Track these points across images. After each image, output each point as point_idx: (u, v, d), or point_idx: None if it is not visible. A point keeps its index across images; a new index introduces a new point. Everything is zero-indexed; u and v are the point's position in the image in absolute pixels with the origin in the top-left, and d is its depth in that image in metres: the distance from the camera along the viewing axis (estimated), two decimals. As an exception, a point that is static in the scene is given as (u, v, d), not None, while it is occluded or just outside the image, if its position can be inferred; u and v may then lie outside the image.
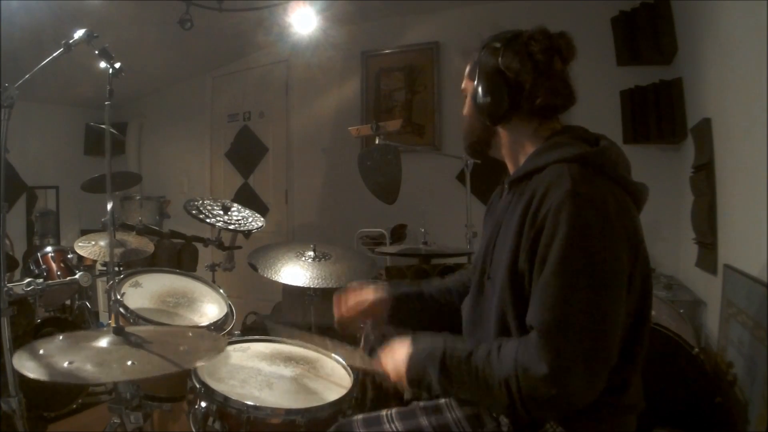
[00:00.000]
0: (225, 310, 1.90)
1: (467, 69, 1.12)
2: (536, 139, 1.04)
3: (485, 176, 1.19)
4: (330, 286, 1.94)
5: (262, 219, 2.67)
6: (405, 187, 2.21)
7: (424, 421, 0.97)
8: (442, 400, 1.07)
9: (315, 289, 2.10)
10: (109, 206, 1.40)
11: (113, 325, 1.21)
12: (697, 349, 1.50)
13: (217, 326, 1.78)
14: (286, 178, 4.24)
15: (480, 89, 1.04)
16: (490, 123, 1.06)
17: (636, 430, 1.00)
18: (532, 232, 0.90)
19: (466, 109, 1.13)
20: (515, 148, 1.08)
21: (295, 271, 1.98)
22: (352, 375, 1.42)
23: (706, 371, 1.48)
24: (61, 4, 2.80)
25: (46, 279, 2.44)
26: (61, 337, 1.19)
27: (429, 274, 2.50)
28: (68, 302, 2.83)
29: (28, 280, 1.47)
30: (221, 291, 2.03)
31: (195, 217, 2.46)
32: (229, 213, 2.59)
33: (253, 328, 3.28)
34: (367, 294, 1.30)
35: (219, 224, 2.46)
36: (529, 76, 1.00)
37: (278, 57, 4.12)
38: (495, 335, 0.99)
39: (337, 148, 3.96)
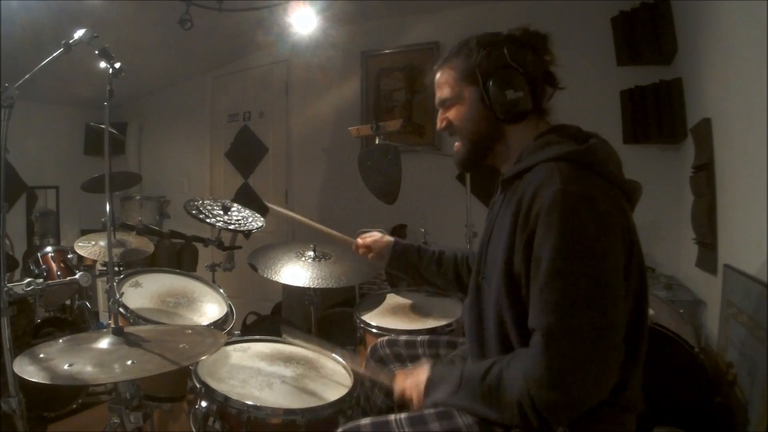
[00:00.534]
0: (225, 310, 1.90)
1: (449, 76, 1.08)
2: (528, 138, 1.04)
3: (485, 176, 1.18)
4: (330, 286, 1.94)
5: (262, 219, 2.67)
6: (405, 187, 2.21)
7: (434, 426, 0.96)
8: None
9: (315, 289, 2.10)
10: (108, 206, 1.40)
11: (113, 325, 1.21)
12: (697, 349, 1.50)
13: (217, 326, 1.78)
14: (286, 178, 4.24)
15: (499, 86, 1.00)
16: (508, 120, 1.02)
17: (636, 430, 1.00)
18: (525, 233, 0.90)
19: (463, 115, 1.07)
20: (514, 148, 1.07)
21: (295, 271, 1.98)
22: (352, 375, 1.43)
23: (706, 371, 1.48)
24: (61, 4, 2.80)
25: (46, 279, 2.45)
26: (61, 341, 1.19)
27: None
28: (68, 302, 2.83)
29: (28, 280, 1.47)
30: (221, 291, 2.03)
31: (195, 217, 2.45)
32: (229, 213, 2.59)
33: (268, 329, 3.28)
34: (375, 234, 1.58)
35: (219, 224, 2.46)
36: (539, 71, 1.02)
37: (278, 57, 4.11)
38: (495, 338, 0.99)
39: (337, 148, 3.97)
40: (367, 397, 1.38)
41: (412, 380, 1.11)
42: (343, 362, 1.49)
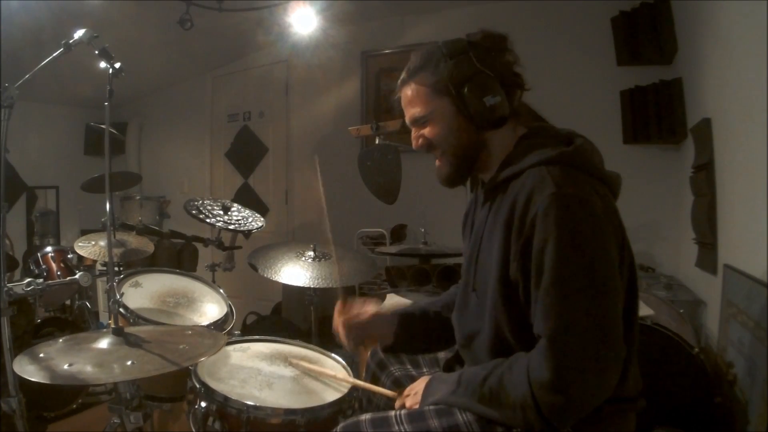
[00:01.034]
0: (225, 310, 1.90)
1: (423, 92, 1.03)
2: (507, 142, 1.03)
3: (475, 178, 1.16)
4: (330, 286, 1.94)
5: (262, 219, 2.67)
6: (405, 187, 2.21)
7: (433, 422, 0.96)
8: None
9: (315, 289, 2.10)
10: (108, 206, 1.40)
11: (113, 325, 1.21)
12: (697, 349, 1.50)
13: (217, 326, 1.79)
14: (286, 178, 4.24)
15: (476, 94, 0.97)
16: (489, 127, 1.00)
17: (636, 430, 1.00)
18: (521, 240, 0.90)
19: (442, 129, 1.03)
20: (495, 155, 1.04)
21: (295, 271, 1.98)
22: (351, 375, 1.42)
23: (706, 371, 1.48)
24: (61, 4, 2.80)
25: (46, 279, 2.45)
26: (61, 340, 1.19)
27: (429, 274, 2.50)
28: (68, 302, 2.83)
29: (28, 280, 1.47)
30: (221, 291, 2.03)
31: (195, 217, 2.46)
32: (229, 213, 2.59)
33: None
34: (371, 308, 1.24)
35: (219, 224, 2.46)
36: (509, 73, 1.00)
37: (278, 57, 4.11)
38: (490, 348, 0.99)
39: (337, 148, 3.96)
40: (369, 400, 1.37)
41: (411, 389, 1.11)
42: (343, 362, 1.49)
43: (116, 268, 2.29)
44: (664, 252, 2.79)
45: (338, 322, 1.24)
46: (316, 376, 1.42)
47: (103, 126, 1.34)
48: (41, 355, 1.09)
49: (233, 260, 2.66)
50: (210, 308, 1.91)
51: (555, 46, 3.05)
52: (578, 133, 1.03)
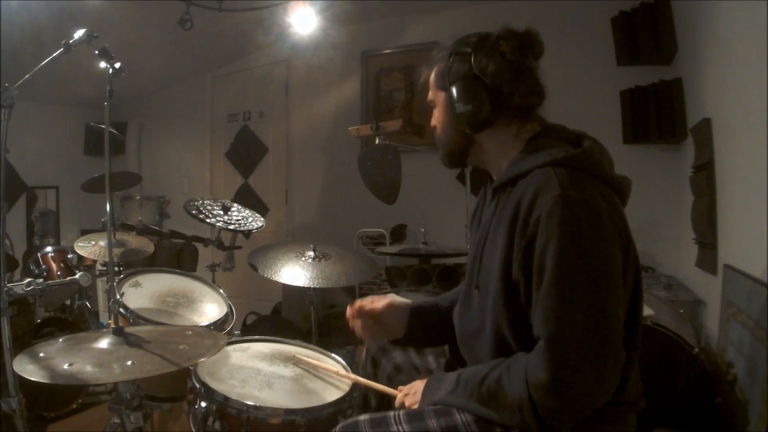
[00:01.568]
0: (225, 310, 1.90)
1: (431, 78, 1.09)
2: (517, 142, 1.03)
3: (485, 176, 1.17)
4: (330, 286, 1.94)
5: (262, 219, 2.67)
6: (405, 187, 2.21)
7: (432, 422, 0.96)
8: None
9: (315, 289, 2.10)
10: (108, 206, 1.40)
11: (113, 325, 1.21)
12: (697, 349, 1.50)
13: (217, 326, 1.78)
14: (286, 178, 4.24)
15: (457, 97, 1.00)
16: (471, 131, 1.02)
17: (636, 430, 1.00)
18: (524, 240, 0.90)
19: (439, 120, 1.09)
20: (497, 154, 1.05)
21: (295, 271, 1.97)
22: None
23: (706, 371, 1.48)
24: (61, 4, 2.80)
25: (46, 279, 2.44)
26: (60, 340, 1.19)
27: (429, 274, 2.51)
28: (68, 302, 2.83)
29: (28, 280, 1.47)
30: (221, 291, 2.03)
31: (195, 217, 2.46)
32: (229, 213, 2.59)
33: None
34: (383, 301, 1.24)
35: (219, 224, 2.46)
36: (506, 78, 0.98)
37: (278, 57, 4.12)
38: (491, 346, 0.99)
39: (337, 148, 3.97)
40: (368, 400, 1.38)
41: (411, 389, 1.11)
42: (343, 362, 1.49)
43: (116, 268, 2.29)
44: (664, 252, 2.80)
45: (352, 313, 1.24)
46: (318, 374, 1.42)
47: (103, 126, 1.34)
48: (41, 354, 1.09)
49: (233, 260, 2.66)
50: (210, 308, 1.91)
51: (555, 46, 3.03)
52: (588, 134, 1.03)
